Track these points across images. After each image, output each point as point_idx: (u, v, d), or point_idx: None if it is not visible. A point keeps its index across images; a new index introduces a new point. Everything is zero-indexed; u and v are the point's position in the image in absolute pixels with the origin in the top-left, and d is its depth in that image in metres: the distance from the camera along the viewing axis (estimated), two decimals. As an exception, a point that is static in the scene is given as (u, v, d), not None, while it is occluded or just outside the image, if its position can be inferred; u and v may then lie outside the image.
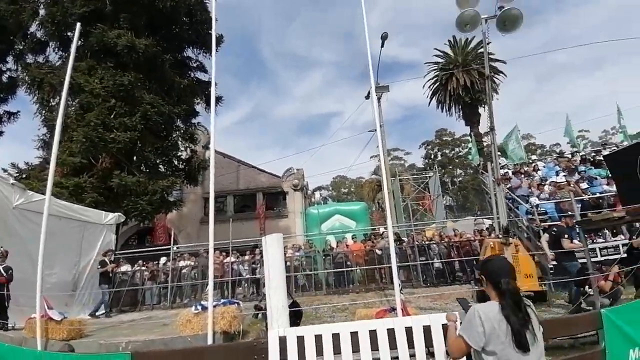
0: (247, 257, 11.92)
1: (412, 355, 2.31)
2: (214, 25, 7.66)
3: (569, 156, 13.59)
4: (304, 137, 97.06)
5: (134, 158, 13.72)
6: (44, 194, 6.84)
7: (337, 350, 2.34)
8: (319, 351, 2.34)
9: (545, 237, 6.90)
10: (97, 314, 9.24)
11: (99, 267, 9.55)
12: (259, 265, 11.15)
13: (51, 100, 13.39)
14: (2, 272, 6.92)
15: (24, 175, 12.51)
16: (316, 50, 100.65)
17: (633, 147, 3.64)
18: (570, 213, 7.18)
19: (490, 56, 22.93)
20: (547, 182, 10.86)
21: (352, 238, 12.39)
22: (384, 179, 8.60)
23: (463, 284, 9.77)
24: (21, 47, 14.73)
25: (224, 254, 11.80)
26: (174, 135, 15.51)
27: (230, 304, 6.08)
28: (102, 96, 12.53)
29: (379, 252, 10.99)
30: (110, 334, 6.40)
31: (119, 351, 5.49)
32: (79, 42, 12.60)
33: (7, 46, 15.23)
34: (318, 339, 2.37)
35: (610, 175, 6.30)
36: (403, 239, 11.81)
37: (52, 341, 5.46)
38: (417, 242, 11.11)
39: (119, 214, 10.98)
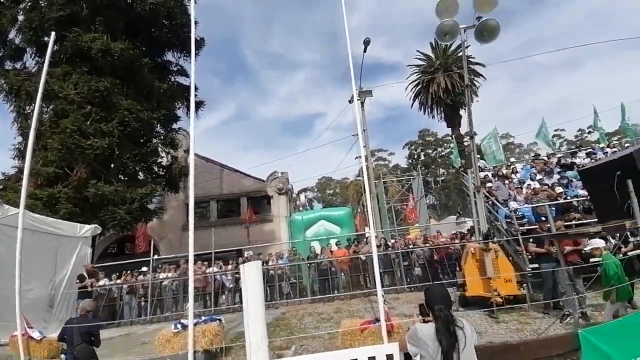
0: (229, 267, 11.73)
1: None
2: (192, 28, 7.50)
3: (545, 158, 13.98)
4: (289, 138, 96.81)
5: (112, 166, 13.33)
6: (19, 205, 6.60)
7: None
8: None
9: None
10: None
11: (77, 281, 9.21)
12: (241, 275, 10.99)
13: (27, 107, 12.98)
14: None
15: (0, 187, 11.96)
16: (299, 51, 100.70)
17: (609, 163, 3.74)
18: (544, 218, 7.40)
19: (470, 59, 23.44)
20: (525, 184, 11.17)
21: (337, 244, 12.38)
22: (367, 185, 8.59)
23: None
24: (0, 54, 14.16)
25: (205, 263, 11.58)
26: (153, 141, 15.15)
27: (211, 321, 5.94)
28: (77, 102, 12.16)
29: (363, 257, 11.02)
30: (86, 356, 6.14)
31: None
32: (55, 47, 12.31)
33: None
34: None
35: (585, 190, 6.50)
36: (389, 243, 11.86)
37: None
38: (400, 247, 11.19)
39: (95, 225, 10.61)
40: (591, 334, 2.57)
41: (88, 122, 12.11)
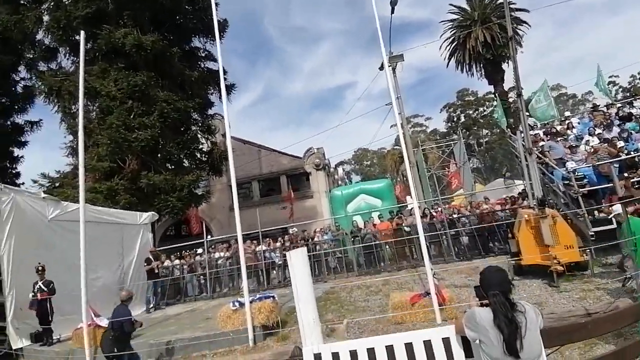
0: (277, 244, 12.19)
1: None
2: (214, 10, 7.43)
3: (604, 109, 12.57)
4: (319, 113, 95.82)
5: (158, 156, 14.05)
6: (78, 201, 6.97)
7: (374, 364, 2.33)
8: (357, 366, 2.34)
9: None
10: (149, 307, 10.01)
11: (145, 264, 10.15)
12: (289, 250, 11.39)
13: (72, 107, 13.70)
14: (43, 287, 6.89)
15: (56, 184, 13.09)
16: (321, 21, 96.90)
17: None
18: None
19: (511, 5, 21.19)
20: (583, 141, 10.19)
21: (379, 217, 12.31)
22: (405, 155, 8.34)
23: (497, 256, 9.55)
24: (31, 56, 14.91)
25: (254, 242, 12.12)
26: (192, 129, 15.67)
27: (265, 299, 6.27)
28: (119, 98, 12.74)
29: (407, 229, 10.89)
30: (158, 332, 6.82)
31: (167, 350, 5.87)
32: (88, 45, 12.81)
33: (16, 57, 15.48)
34: (353, 354, 2.36)
35: None
36: (433, 213, 11.56)
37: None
38: (446, 216, 10.87)
39: (153, 213, 11.44)
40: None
41: (131, 117, 12.72)
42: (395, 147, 36.63)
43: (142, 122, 12.58)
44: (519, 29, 22.82)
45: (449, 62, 25.62)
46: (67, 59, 14.62)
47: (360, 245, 11.02)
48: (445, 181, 22.75)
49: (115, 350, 4.85)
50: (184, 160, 15.19)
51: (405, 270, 9.86)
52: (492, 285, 1.96)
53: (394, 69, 15.49)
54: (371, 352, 2.34)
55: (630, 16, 66.45)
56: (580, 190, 7.30)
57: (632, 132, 9.44)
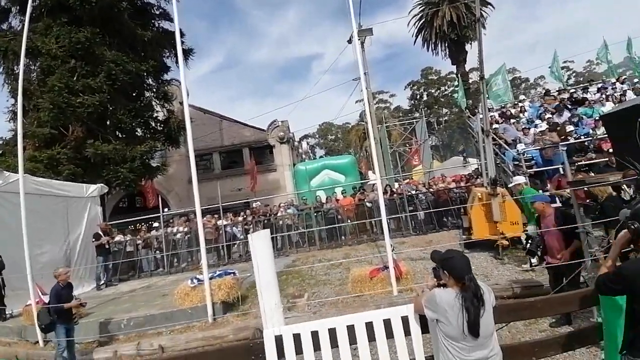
0: (239, 219, 11.98)
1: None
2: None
3: (555, 94, 13.39)
4: (284, 84, 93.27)
5: (107, 123, 12.94)
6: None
7: (334, 344, 2.35)
8: (316, 347, 2.35)
9: None
10: (99, 284, 9.51)
11: (94, 240, 9.51)
12: (251, 226, 11.28)
13: (15, 68, 12.27)
14: None
15: (-2, 152, 11.76)
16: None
17: (633, 108, 3.49)
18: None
19: (479, -15, 21.43)
20: (533, 124, 10.83)
21: (342, 193, 12.47)
22: (370, 131, 8.38)
23: (450, 229, 10.14)
24: None
25: (215, 216, 11.81)
26: (146, 95, 14.54)
27: (226, 275, 6.17)
28: (61, 57, 11.45)
29: (369, 204, 11.16)
30: (110, 311, 6.51)
31: (121, 328, 5.64)
32: (36, 1, 11.34)
33: None
34: (314, 334, 2.37)
35: (606, 134, 6.22)
36: (393, 189, 11.91)
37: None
38: (405, 192, 11.24)
39: (102, 185, 10.64)
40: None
41: (75, 78, 11.50)
42: (360, 122, 36.85)
43: (87, 85, 11.41)
44: (483, 11, 23.28)
45: (415, 39, 25.79)
46: (16, 18, 13.18)
47: (323, 219, 11.16)
48: (406, 158, 23.45)
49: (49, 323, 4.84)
50: (137, 129, 14.12)
51: (365, 244, 10.19)
52: (465, 269, 2.00)
53: (362, 43, 15.21)
54: (332, 332, 2.37)
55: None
56: (528, 170, 7.81)
57: (584, 117, 10.12)
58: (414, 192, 11.68)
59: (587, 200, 4.91)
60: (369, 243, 10.23)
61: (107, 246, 9.70)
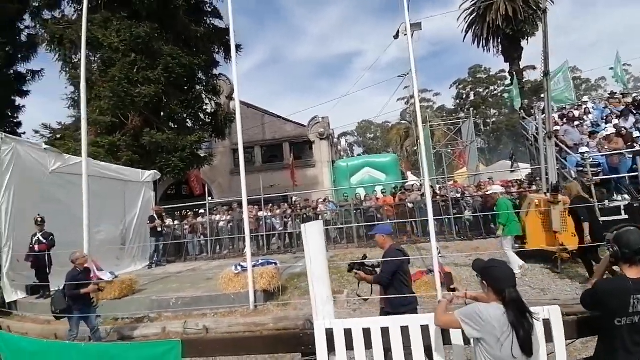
0: (278, 211, 12.19)
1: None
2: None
3: (620, 97, 12.13)
4: (324, 80, 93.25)
5: (161, 114, 13.71)
6: (80, 154, 6.86)
7: (386, 344, 2.28)
8: (368, 345, 2.29)
9: None
10: (150, 263, 10.18)
11: (148, 222, 10.18)
12: (289, 219, 11.44)
13: (73, 56, 13.27)
14: (42, 239, 6.74)
15: (58, 136, 12.86)
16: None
17: None
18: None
19: (541, -23, 19.87)
20: (600, 128, 9.89)
21: (382, 192, 12.24)
22: (421, 131, 8.06)
23: (498, 237, 9.55)
24: (37, 4, 14.29)
25: (256, 207, 12.11)
26: (197, 88, 15.20)
27: (268, 264, 6.28)
28: (122, 50, 12.22)
29: (410, 205, 10.84)
30: (160, 289, 6.90)
31: (169, 306, 5.96)
32: None
33: (22, 5, 14.86)
34: (366, 332, 2.31)
35: None
36: (436, 190, 11.48)
37: (103, 301, 5.60)
38: (450, 195, 10.78)
39: (155, 171, 11.34)
40: None
41: (135, 70, 12.26)
42: (401, 122, 35.96)
43: (146, 77, 12.14)
44: (541, 4, 21.61)
45: (465, 35, 24.50)
46: (70, 6, 14.00)
47: (362, 217, 11.02)
48: (449, 159, 22.51)
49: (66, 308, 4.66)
50: (187, 120, 14.85)
51: (405, 246, 9.90)
52: (507, 280, 1.83)
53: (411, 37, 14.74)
54: (385, 331, 2.29)
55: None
56: (594, 178, 7.14)
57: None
58: (458, 195, 11.16)
59: None
60: (410, 245, 9.93)
61: (159, 229, 10.32)
